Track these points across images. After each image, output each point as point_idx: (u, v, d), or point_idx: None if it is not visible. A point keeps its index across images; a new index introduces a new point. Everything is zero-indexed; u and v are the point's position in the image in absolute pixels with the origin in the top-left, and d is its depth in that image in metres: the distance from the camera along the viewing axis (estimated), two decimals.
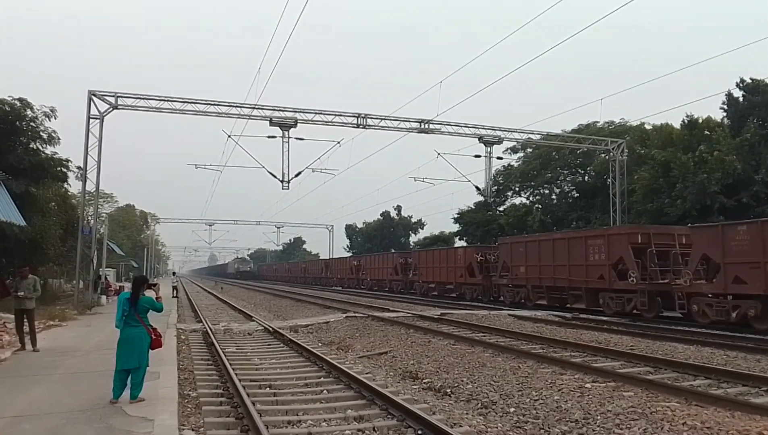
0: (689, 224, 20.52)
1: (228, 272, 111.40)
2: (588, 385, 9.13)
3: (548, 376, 9.91)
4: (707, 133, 31.00)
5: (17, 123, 22.55)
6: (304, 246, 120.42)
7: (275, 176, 28.08)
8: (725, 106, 32.18)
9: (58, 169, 24.75)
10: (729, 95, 31.81)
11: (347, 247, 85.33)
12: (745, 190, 27.91)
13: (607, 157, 34.03)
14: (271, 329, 16.97)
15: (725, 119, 32.22)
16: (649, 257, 19.48)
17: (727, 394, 8.42)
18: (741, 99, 31.44)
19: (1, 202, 16.95)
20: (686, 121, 32.51)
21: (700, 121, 32.11)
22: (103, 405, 7.12)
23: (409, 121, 28.81)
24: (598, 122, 41.41)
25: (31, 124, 23.09)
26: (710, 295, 16.92)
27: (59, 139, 23.96)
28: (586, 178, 44.65)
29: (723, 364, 11.06)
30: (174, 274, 48.64)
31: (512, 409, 7.94)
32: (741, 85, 31.30)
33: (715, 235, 16.83)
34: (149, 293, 7.92)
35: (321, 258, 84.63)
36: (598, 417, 7.34)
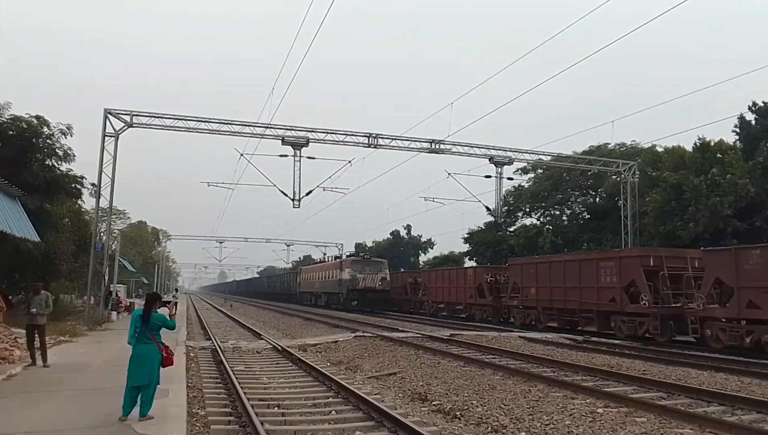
0: (702, 247, 20.37)
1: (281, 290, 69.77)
2: (600, 410, 9.02)
3: (559, 400, 9.80)
4: (719, 156, 30.92)
5: (34, 140, 22.90)
6: (300, 266, 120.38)
7: (286, 195, 28.20)
8: (737, 129, 32.13)
9: (73, 185, 25.07)
10: (741, 118, 31.77)
11: None
12: (758, 214, 27.70)
13: (618, 179, 33.94)
14: (279, 348, 16.94)
15: (738, 142, 32.13)
16: (662, 280, 19.31)
17: (741, 422, 8.29)
18: (753, 122, 31.37)
19: (16, 218, 17.12)
20: (698, 144, 32.46)
21: (713, 143, 32.05)
22: (113, 422, 7.13)
23: (419, 141, 28.95)
24: (609, 144, 41.45)
25: (48, 141, 23.45)
26: (724, 320, 16.72)
27: (74, 156, 24.32)
28: (597, 199, 44.54)
29: (737, 390, 10.88)
30: (176, 290, 49.53)
31: (523, 434, 7.85)
32: (753, 108, 31.26)
33: (728, 258, 16.67)
34: (163, 311, 7.97)
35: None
36: None
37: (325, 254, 69.32)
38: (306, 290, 54.53)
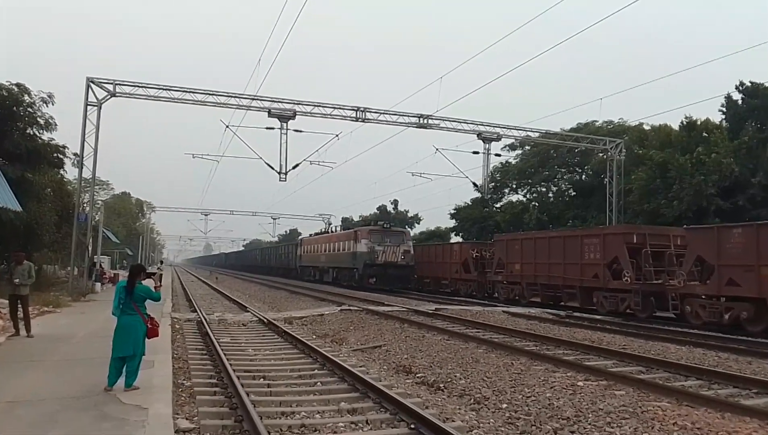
0: (685, 226, 20.60)
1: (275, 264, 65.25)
2: (580, 383, 9.19)
3: (541, 374, 9.97)
4: (705, 135, 31.09)
5: (14, 108, 22.41)
6: (300, 238, 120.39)
7: (273, 168, 28.02)
8: (724, 109, 32.29)
9: (55, 155, 24.66)
10: (728, 98, 31.91)
11: None
12: (741, 193, 28.01)
13: (604, 156, 34.09)
14: (265, 320, 16.99)
15: (724, 122, 32.31)
16: (644, 257, 19.55)
17: (718, 396, 8.49)
18: (740, 102, 31.53)
19: None
20: (685, 123, 32.60)
21: (699, 122, 32.19)
22: (98, 392, 7.14)
23: (408, 116, 28.78)
24: (596, 121, 41.48)
25: (29, 109, 22.95)
26: (704, 297, 17.00)
27: (56, 125, 23.84)
28: (584, 177, 44.74)
29: (714, 365, 11.12)
30: (161, 262, 48.70)
31: (505, 405, 7.98)
32: (740, 88, 31.38)
33: (710, 237, 16.90)
34: (148, 282, 7.94)
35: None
36: (590, 415, 7.39)
37: (329, 224, 62.69)
38: (308, 264, 48.35)
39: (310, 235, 53.43)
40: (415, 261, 35.60)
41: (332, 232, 47.53)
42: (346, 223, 74.33)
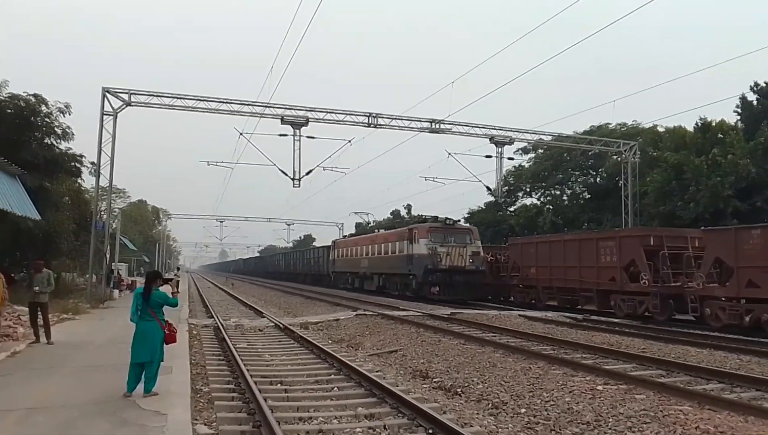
0: (702, 227, 20.37)
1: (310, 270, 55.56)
2: (599, 387, 9.10)
3: (559, 378, 9.88)
4: (721, 136, 30.81)
5: (32, 118, 22.75)
6: (314, 243, 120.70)
7: (286, 174, 28.12)
8: (739, 110, 31.99)
9: (72, 164, 24.98)
10: (743, 99, 31.62)
11: None
12: (758, 194, 27.68)
13: (619, 159, 33.82)
14: (281, 326, 17.04)
15: (739, 123, 31.99)
16: (662, 260, 19.35)
17: (740, 399, 8.37)
18: (755, 102, 31.21)
19: (16, 197, 17.10)
20: (699, 124, 32.33)
21: (714, 124, 31.90)
22: (117, 398, 7.19)
23: (420, 121, 28.77)
24: (610, 124, 41.25)
25: (46, 119, 23.29)
26: (723, 299, 16.80)
27: (73, 134, 24.18)
28: (598, 179, 44.46)
29: (736, 368, 10.97)
30: (178, 268, 48.40)
31: (523, 410, 7.92)
32: (755, 88, 31.09)
33: (728, 238, 16.70)
34: (165, 288, 7.99)
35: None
36: (610, 419, 7.31)
37: (368, 224, 54.54)
38: (345, 270, 41.24)
39: (344, 236, 47.61)
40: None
41: (376, 232, 40.87)
42: (360, 227, 72.86)
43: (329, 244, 48.10)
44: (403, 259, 29.90)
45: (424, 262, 27.81)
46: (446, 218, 30.18)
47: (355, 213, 68.32)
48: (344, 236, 46.73)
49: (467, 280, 28.01)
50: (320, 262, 50.45)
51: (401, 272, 30.57)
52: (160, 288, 7.87)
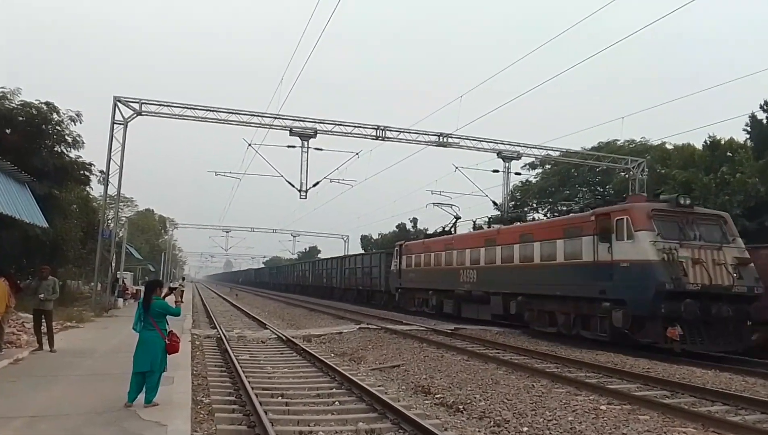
0: None
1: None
2: (603, 407, 9.01)
3: (563, 396, 9.80)
4: (730, 154, 30.66)
5: (43, 126, 23.02)
6: (319, 255, 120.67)
7: (293, 185, 28.23)
8: (748, 128, 31.82)
9: (81, 172, 25.23)
10: (752, 117, 31.45)
11: None
12: (767, 213, 27.48)
13: (627, 175, 33.74)
14: (284, 338, 17.01)
15: (748, 141, 31.84)
16: None
17: (745, 422, 8.27)
18: (765, 121, 31.07)
19: (25, 204, 17.25)
20: (708, 142, 32.20)
21: (723, 142, 31.77)
22: (119, 408, 7.20)
23: (427, 135, 28.87)
24: (618, 140, 41.15)
25: (57, 127, 23.57)
26: None
27: (83, 143, 24.45)
28: (606, 196, 44.29)
29: (741, 390, 10.83)
30: (183, 278, 48.06)
31: (525, 429, 7.85)
32: (765, 107, 30.94)
33: None
34: (170, 299, 8.01)
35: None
36: None
37: (474, 221, 29.50)
38: (422, 286, 29.03)
39: (411, 239, 33.96)
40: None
41: (480, 228, 26.14)
42: (365, 241, 70.19)
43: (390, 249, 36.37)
44: (587, 271, 16.69)
45: (650, 275, 14.86)
46: (680, 195, 17.21)
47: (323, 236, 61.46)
48: (415, 239, 33.31)
49: (737, 314, 14.78)
50: (373, 274, 39.22)
51: (577, 295, 17.30)
52: (166, 298, 7.89)
